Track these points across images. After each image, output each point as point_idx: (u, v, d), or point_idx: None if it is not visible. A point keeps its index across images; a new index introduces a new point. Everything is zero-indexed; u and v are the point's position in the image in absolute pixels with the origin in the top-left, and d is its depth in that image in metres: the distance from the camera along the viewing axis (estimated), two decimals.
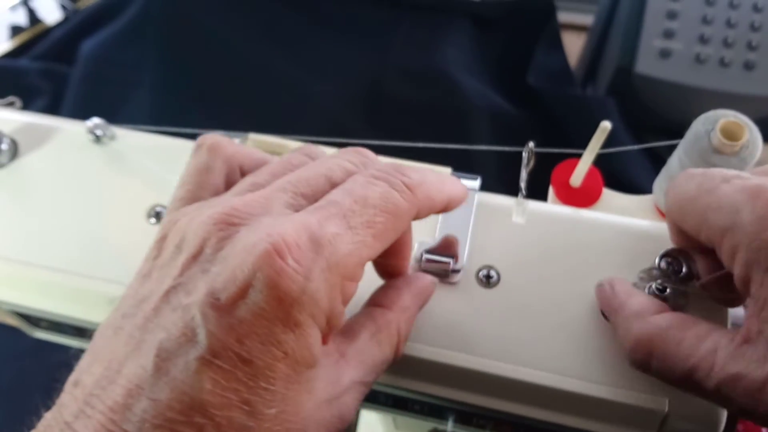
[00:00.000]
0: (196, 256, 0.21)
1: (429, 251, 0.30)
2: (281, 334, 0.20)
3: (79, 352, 0.22)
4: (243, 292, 0.19)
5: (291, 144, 0.37)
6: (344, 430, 0.23)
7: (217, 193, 0.26)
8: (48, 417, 0.21)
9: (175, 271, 0.21)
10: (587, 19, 0.84)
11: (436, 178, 0.25)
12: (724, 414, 0.27)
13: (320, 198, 0.23)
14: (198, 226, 0.21)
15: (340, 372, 0.23)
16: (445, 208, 0.26)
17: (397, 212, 0.23)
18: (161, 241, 0.23)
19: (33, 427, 0.21)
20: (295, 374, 0.20)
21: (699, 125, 0.31)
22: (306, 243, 0.20)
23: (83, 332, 0.36)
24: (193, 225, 0.22)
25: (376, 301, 0.27)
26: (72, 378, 0.21)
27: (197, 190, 0.26)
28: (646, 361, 0.25)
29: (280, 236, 0.20)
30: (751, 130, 0.31)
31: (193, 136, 0.36)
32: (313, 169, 0.24)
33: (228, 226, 0.21)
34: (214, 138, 0.27)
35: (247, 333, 0.19)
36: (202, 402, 0.19)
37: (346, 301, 0.22)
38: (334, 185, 0.23)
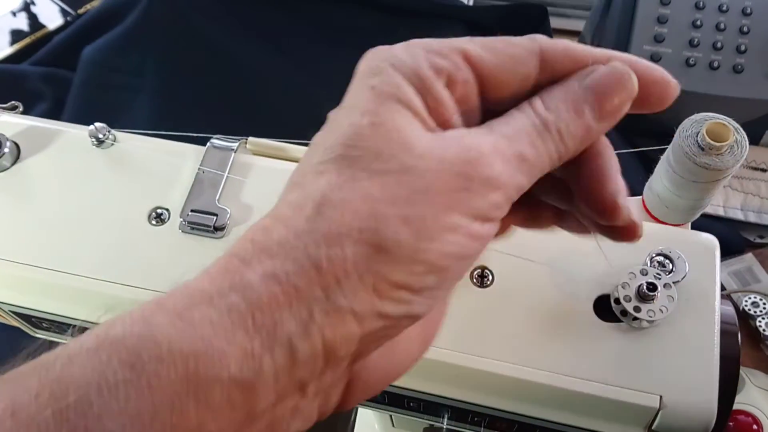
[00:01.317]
0: None
1: None
2: None
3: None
4: None
5: (290, 148, 0.38)
6: (343, 427, 0.22)
7: None
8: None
9: None
10: (579, 25, 0.85)
11: None
12: (714, 410, 0.28)
13: None
14: None
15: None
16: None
17: None
18: None
19: None
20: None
21: (686, 128, 0.32)
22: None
23: (85, 332, 0.37)
24: None
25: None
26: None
27: None
28: None
29: None
30: (737, 132, 0.31)
31: (193, 140, 0.37)
32: None
33: None
34: None
35: None
36: None
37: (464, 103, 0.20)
38: None
